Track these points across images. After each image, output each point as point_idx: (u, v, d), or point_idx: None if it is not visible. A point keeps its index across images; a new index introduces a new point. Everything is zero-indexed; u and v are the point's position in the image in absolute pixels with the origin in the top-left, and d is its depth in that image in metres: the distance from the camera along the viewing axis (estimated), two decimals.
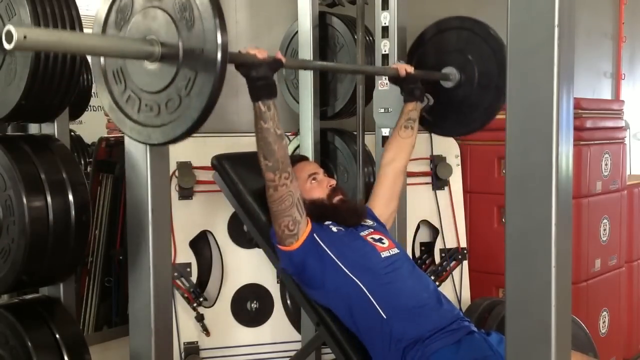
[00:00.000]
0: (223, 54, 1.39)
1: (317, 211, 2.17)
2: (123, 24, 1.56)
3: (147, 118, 1.55)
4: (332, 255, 2.06)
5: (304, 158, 2.63)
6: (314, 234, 2.08)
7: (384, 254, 2.13)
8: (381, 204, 2.38)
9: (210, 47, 1.39)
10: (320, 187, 2.23)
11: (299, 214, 2.03)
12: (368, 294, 2.02)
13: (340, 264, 2.05)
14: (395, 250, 2.17)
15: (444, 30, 2.57)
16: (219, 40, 1.39)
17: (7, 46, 1.15)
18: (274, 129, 1.89)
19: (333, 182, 2.26)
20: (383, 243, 2.17)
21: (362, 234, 2.18)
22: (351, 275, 2.04)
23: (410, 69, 2.40)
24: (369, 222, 2.27)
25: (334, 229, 2.15)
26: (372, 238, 2.18)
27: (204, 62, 1.41)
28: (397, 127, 2.44)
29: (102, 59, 1.64)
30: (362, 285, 2.03)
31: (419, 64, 2.55)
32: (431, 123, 2.62)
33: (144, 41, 1.48)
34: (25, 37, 1.16)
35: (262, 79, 1.82)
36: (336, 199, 2.22)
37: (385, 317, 1.99)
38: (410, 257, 2.38)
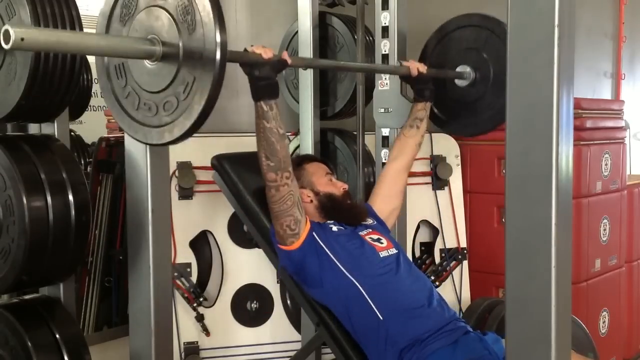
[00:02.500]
0: (222, 54, 1.40)
1: (330, 204, 2.20)
2: (127, 19, 1.56)
3: (145, 117, 1.55)
4: (330, 254, 2.07)
5: (316, 159, 2.60)
6: (313, 233, 2.09)
7: (382, 254, 2.13)
8: (380, 201, 2.38)
9: (209, 47, 1.40)
10: (335, 187, 2.26)
11: (299, 213, 2.03)
12: (365, 295, 2.02)
13: (337, 263, 2.06)
14: (394, 250, 2.17)
15: (461, 27, 2.49)
16: (219, 40, 1.39)
17: (4, 46, 1.16)
18: (277, 128, 1.88)
19: (346, 186, 2.30)
20: (381, 243, 2.17)
21: (361, 233, 2.19)
22: (349, 275, 2.05)
23: (423, 68, 2.35)
24: (369, 221, 2.28)
25: (335, 228, 2.16)
26: (370, 238, 2.18)
27: (203, 63, 1.41)
28: (404, 126, 2.44)
29: None
30: (359, 286, 2.03)
31: (433, 61, 2.50)
32: (443, 121, 2.58)
33: (145, 41, 1.48)
34: (22, 39, 1.17)
35: (265, 79, 1.81)
36: (348, 201, 2.26)
37: (381, 318, 1.99)
38: (410, 257, 2.37)
